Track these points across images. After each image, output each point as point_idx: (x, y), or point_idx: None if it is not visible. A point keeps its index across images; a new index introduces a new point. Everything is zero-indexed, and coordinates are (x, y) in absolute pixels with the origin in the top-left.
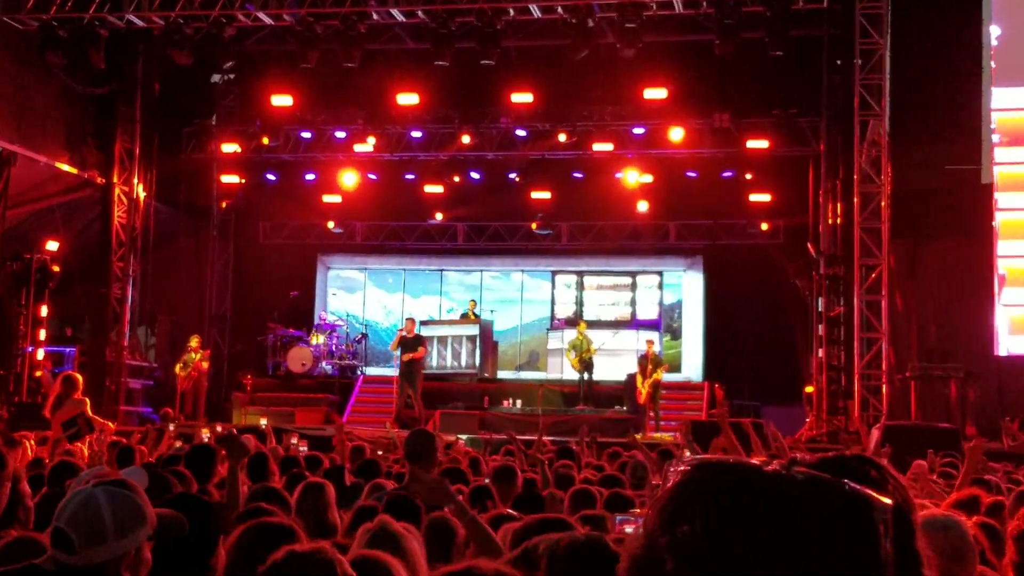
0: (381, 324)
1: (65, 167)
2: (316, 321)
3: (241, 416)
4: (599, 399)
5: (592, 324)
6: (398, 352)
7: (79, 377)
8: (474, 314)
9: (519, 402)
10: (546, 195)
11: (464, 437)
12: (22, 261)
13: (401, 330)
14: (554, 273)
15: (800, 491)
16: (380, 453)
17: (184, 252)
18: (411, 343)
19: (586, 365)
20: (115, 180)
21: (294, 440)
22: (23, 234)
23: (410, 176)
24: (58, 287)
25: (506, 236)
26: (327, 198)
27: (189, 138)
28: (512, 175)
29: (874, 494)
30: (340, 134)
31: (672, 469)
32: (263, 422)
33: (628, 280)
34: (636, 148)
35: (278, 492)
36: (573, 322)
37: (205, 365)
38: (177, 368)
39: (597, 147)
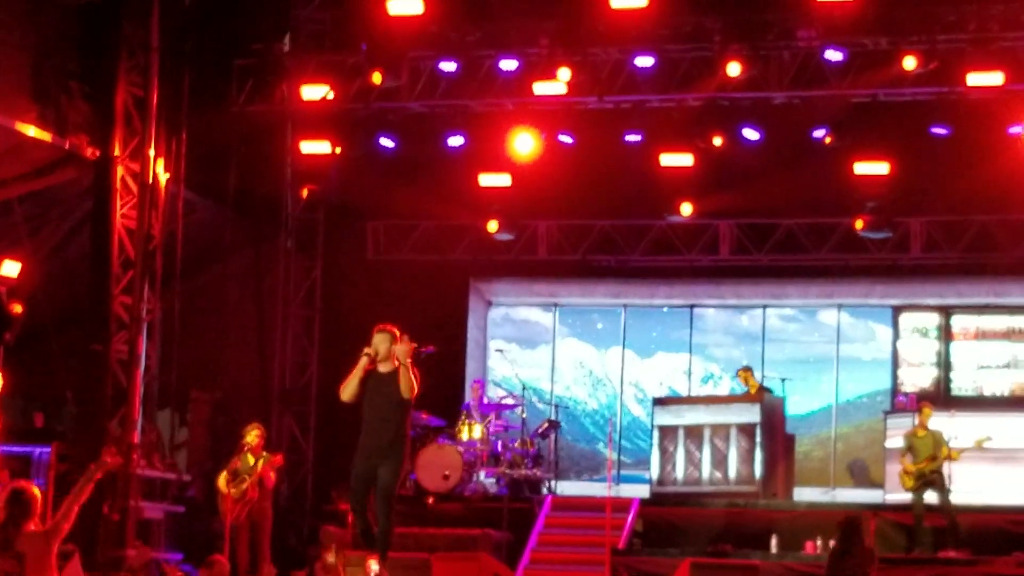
0: (585, 404)
1: (31, 131)
2: (468, 399)
3: (337, 569)
4: (985, 539)
5: (966, 404)
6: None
7: (35, 494)
8: (763, 387)
9: (834, 544)
10: (880, 168)
11: None
12: None
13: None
14: (897, 310)
15: None
16: None
17: (236, 278)
18: None
19: (927, 481)
20: (116, 152)
21: None
22: None
23: (633, 137)
24: (20, 341)
25: (807, 244)
26: (486, 179)
27: (243, 77)
28: (818, 132)
29: None
30: (508, 65)
31: None
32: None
33: None
34: None
35: None
36: (931, 398)
37: (272, 477)
38: (221, 481)
39: (975, 79)
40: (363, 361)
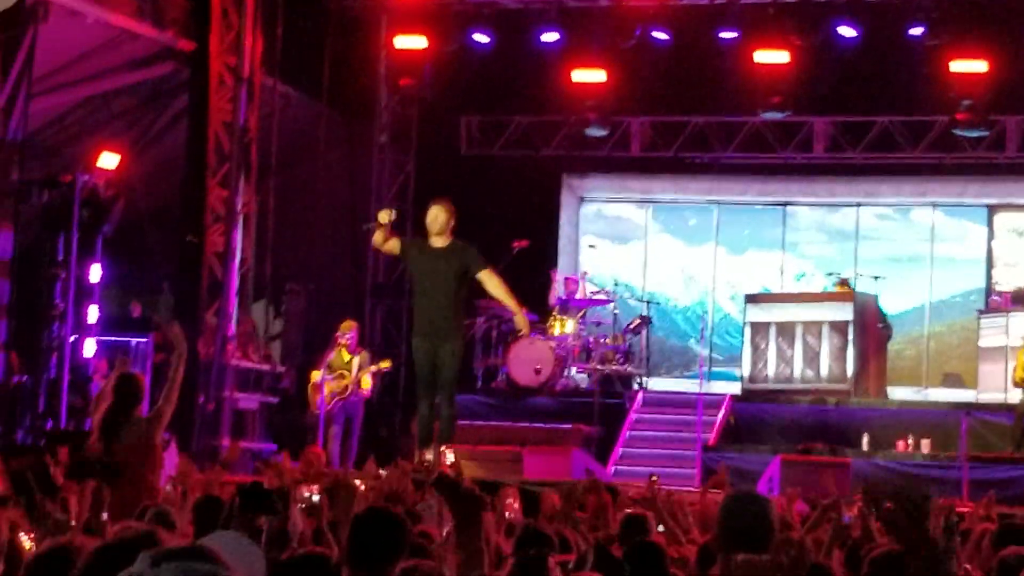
0: (676, 301)
1: (129, 25)
2: (560, 294)
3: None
4: None
5: None
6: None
7: (142, 381)
8: (848, 285)
9: (926, 443)
10: (977, 65)
11: None
12: (59, 187)
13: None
14: (992, 209)
15: None
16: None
17: (332, 171)
18: None
19: None
20: (213, 47)
21: (509, 500)
22: (61, 142)
23: (728, 34)
24: (119, 232)
25: (901, 142)
26: (580, 75)
27: None
28: (914, 30)
29: None
30: None
31: None
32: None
33: None
34: None
35: None
36: None
37: (367, 380)
38: (315, 376)
39: None
40: (382, 215)
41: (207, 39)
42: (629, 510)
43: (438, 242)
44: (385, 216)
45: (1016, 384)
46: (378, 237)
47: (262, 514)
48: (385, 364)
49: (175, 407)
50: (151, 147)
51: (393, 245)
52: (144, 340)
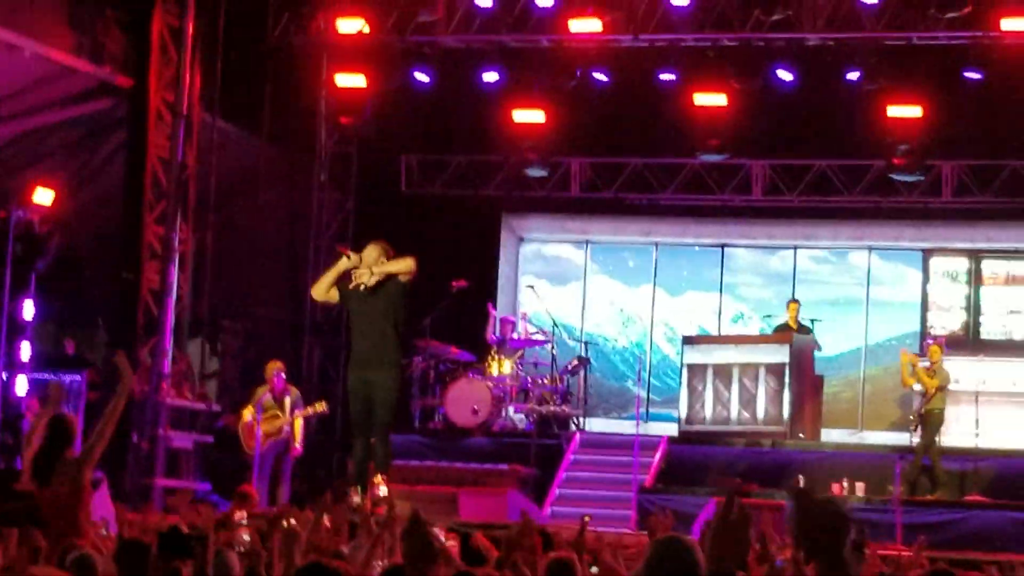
0: (614, 342)
1: (68, 60)
2: (496, 335)
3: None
4: (1011, 483)
5: (995, 348)
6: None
7: (73, 421)
8: (802, 324)
9: (860, 486)
10: (913, 111)
11: None
12: None
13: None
14: (927, 253)
15: None
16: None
17: (271, 209)
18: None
19: (923, 419)
20: (151, 83)
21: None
22: None
23: (668, 76)
24: (54, 268)
25: (840, 184)
26: (521, 115)
27: (280, 9)
28: (851, 75)
29: None
30: (544, 1)
31: None
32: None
33: None
34: None
35: None
36: (959, 343)
37: (298, 420)
38: (245, 415)
39: (1008, 24)
40: (342, 262)
41: (146, 75)
42: (554, 554)
43: (372, 281)
44: (347, 262)
45: (904, 384)
46: (341, 266)
47: (181, 559)
48: (320, 406)
49: (107, 444)
50: (88, 183)
51: (333, 294)
52: (78, 378)
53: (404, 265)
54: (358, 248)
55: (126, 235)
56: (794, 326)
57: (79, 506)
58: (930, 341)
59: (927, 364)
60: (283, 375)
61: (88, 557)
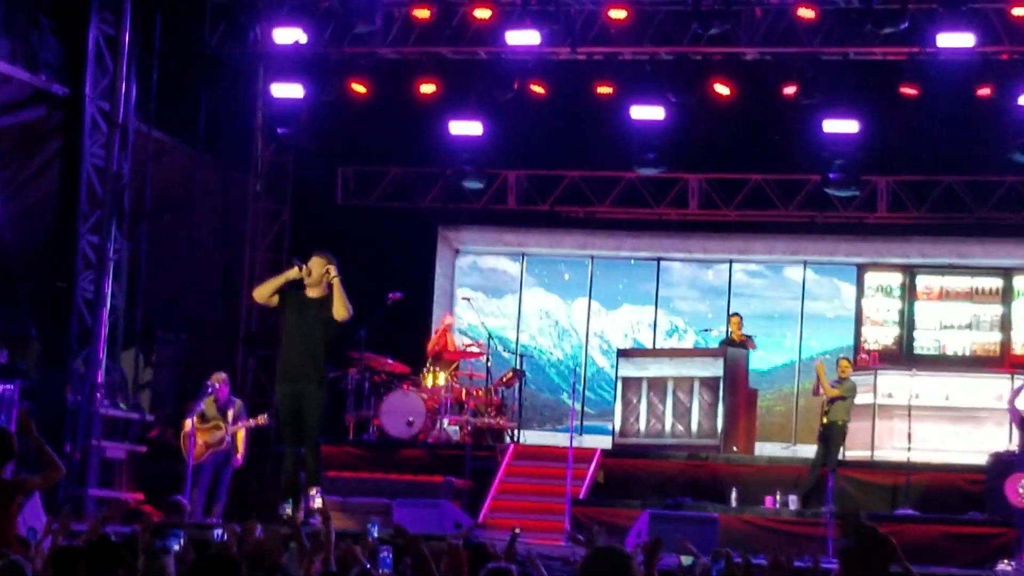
0: (550, 355)
1: (2, 68)
2: (433, 346)
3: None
4: (942, 498)
5: (928, 363)
6: None
7: (12, 437)
8: (743, 335)
9: (793, 500)
10: (848, 127)
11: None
12: None
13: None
14: (862, 268)
15: None
16: None
17: (206, 219)
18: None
19: (826, 431)
20: (86, 92)
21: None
22: None
23: (605, 89)
24: None
25: (776, 199)
26: (457, 127)
27: (216, 18)
28: (788, 90)
29: None
30: (482, 13)
31: None
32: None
33: (998, 283)
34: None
35: None
36: (892, 357)
37: (240, 431)
38: (187, 425)
39: (945, 40)
40: (292, 271)
41: (81, 84)
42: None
43: (313, 292)
44: (298, 272)
45: (814, 393)
46: (291, 275)
47: (112, 568)
48: (262, 419)
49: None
50: (21, 191)
51: (274, 299)
52: (10, 387)
53: (345, 310)
54: (305, 258)
55: (60, 244)
56: (737, 339)
57: (5, 527)
58: (865, 356)
59: (836, 378)
60: (227, 386)
61: (17, 563)
